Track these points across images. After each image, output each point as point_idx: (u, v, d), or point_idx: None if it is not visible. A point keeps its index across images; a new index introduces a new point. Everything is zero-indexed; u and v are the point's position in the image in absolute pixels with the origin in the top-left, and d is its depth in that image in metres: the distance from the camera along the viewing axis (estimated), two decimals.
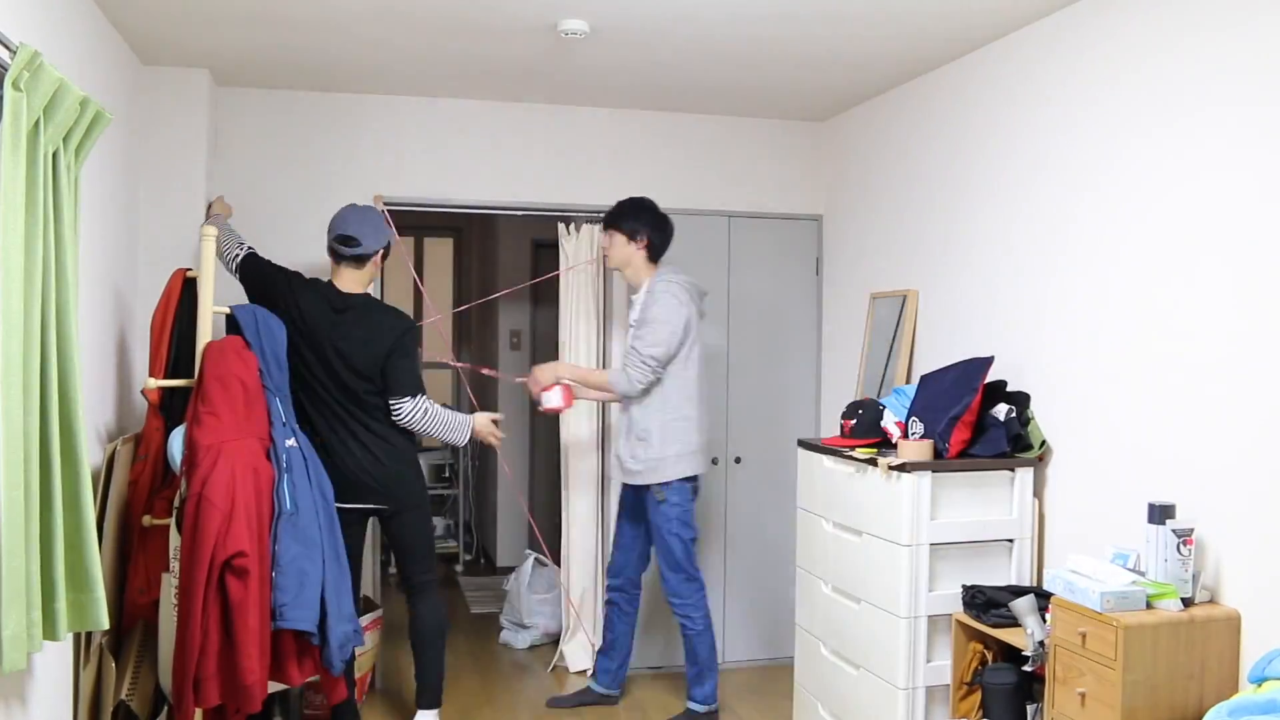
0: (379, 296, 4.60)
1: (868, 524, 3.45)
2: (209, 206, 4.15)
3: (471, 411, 5.31)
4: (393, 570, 5.40)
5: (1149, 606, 2.64)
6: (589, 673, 4.66)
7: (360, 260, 3.69)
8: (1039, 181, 3.45)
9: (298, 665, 3.20)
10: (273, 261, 3.80)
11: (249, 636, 3.01)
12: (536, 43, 3.77)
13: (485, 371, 5.18)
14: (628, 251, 4.11)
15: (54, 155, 2.47)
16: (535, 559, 5.25)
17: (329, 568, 3.26)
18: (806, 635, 3.90)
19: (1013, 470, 3.37)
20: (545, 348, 6.32)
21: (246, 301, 3.68)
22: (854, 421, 3.77)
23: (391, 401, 3.64)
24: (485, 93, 4.55)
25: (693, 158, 4.91)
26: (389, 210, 4.60)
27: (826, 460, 3.73)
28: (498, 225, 6.66)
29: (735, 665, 4.89)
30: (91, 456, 2.82)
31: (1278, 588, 2.55)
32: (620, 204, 4.19)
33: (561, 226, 4.82)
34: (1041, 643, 2.89)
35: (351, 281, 3.71)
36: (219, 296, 3.61)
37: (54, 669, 2.91)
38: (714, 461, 4.85)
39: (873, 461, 3.41)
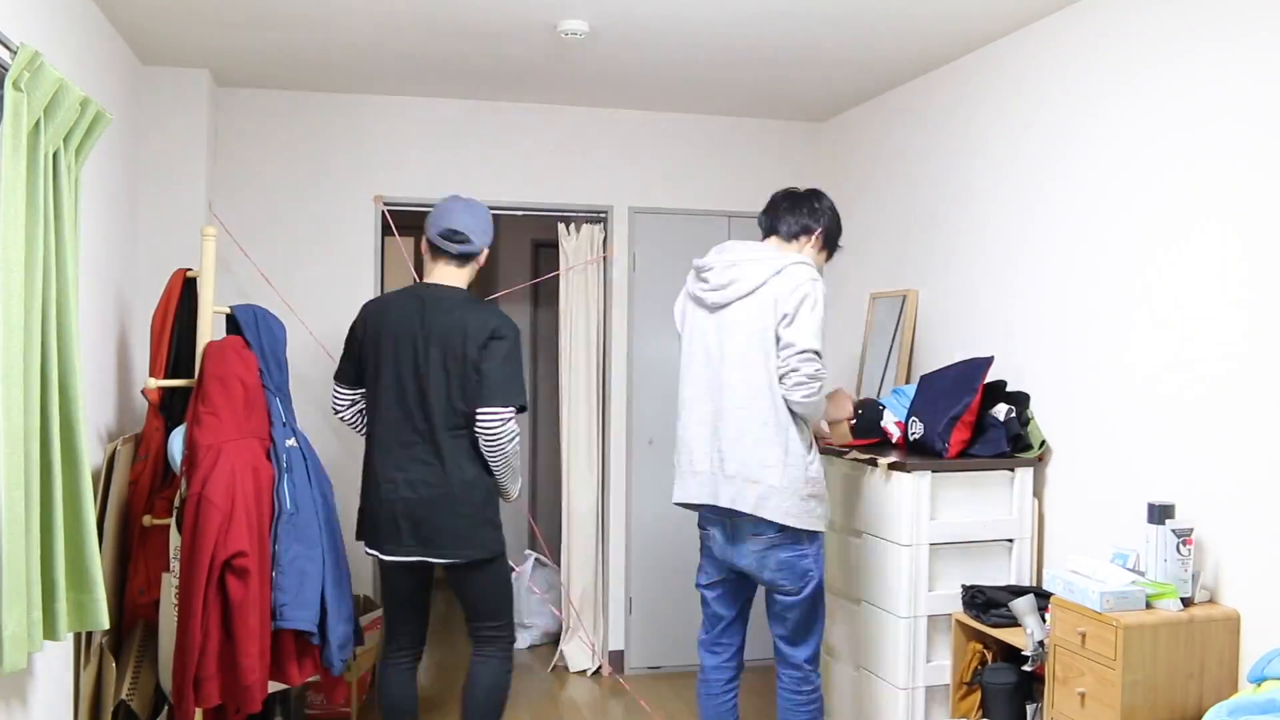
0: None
1: (867, 524, 3.45)
2: None
3: None
4: None
5: (1149, 606, 2.64)
6: (588, 672, 4.66)
7: (466, 258, 3.31)
8: (1039, 181, 3.45)
9: (298, 665, 3.20)
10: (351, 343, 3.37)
11: (249, 636, 3.02)
12: (536, 43, 3.77)
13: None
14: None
15: (54, 155, 2.47)
16: (535, 559, 5.25)
17: (329, 568, 3.26)
18: None
19: (1012, 470, 3.37)
20: (545, 347, 6.32)
21: (248, 303, 3.68)
22: (854, 421, 3.77)
23: (479, 410, 3.09)
24: (485, 93, 4.55)
25: (693, 158, 4.91)
26: (389, 210, 4.61)
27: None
28: (498, 225, 6.65)
29: None
30: (91, 456, 2.82)
31: (1277, 588, 2.55)
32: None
33: (561, 226, 4.82)
34: (1041, 642, 2.89)
35: (451, 278, 3.30)
36: (219, 296, 3.61)
37: (54, 669, 2.91)
38: None
39: (873, 461, 3.41)
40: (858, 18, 3.44)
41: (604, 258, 4.82)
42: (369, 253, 4.58)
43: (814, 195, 3.17)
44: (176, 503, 3.22)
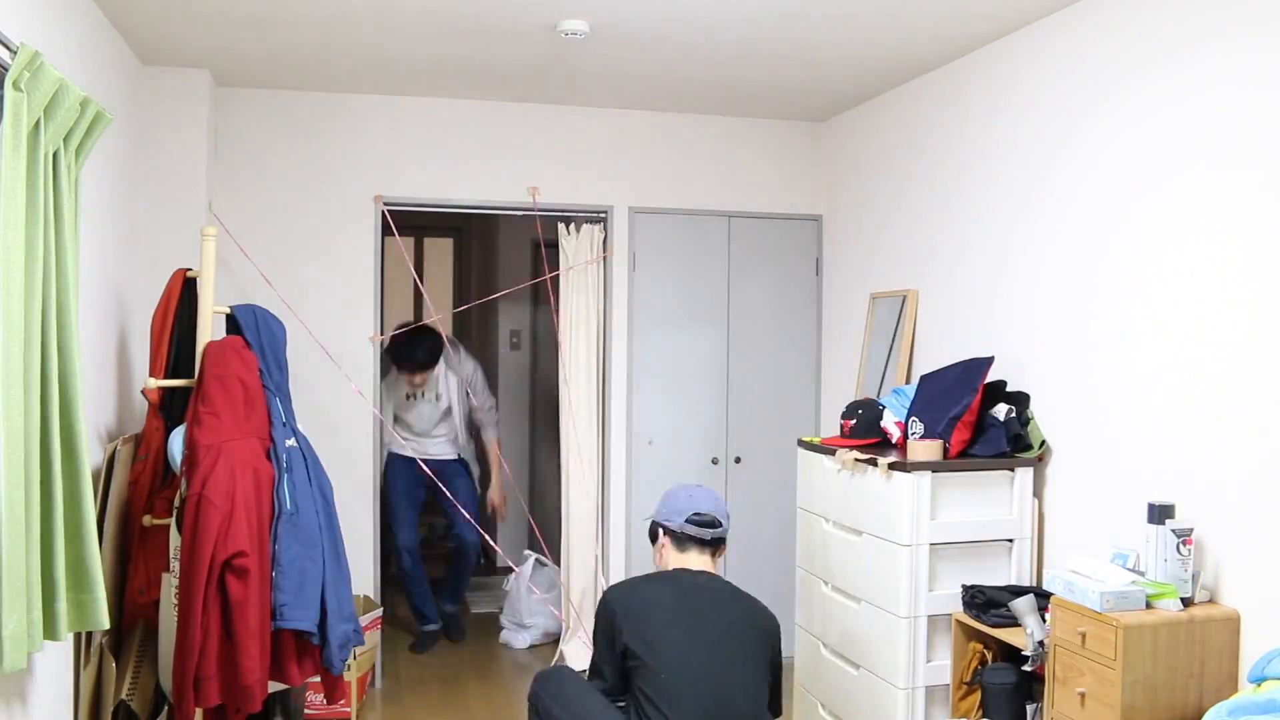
0: (379, 297, 4.61)
1: (867, 524, 3.45)
2: None
3: (470, 424, 5.34)
4: (393, 570, 5.40)
5: (1148, 606, 2.64)
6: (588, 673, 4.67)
7: (719, 545, 3.09)
8: (1039, 181, 3.45)
9: (298, 665, 3.20)
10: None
11: (249, 636, 3.01)
12: (536, 43, 3.77)
13: None
14: None
15: (54, 155, 2.48)
16: (535, 559, 5.25)
17: (329, 568, 3.26)
18: (806, 635, 3.90)
19: (1012, 470, 3.37)
20: (545, 348, 6.32)
21: (248, 303, 3.68)
22: (854, 421, 3.77)
23: None
24: (485, 93, 4.55)
25: (693, 158, 4.91)
26: (389, 210, 4.61)
27: (826, 460, 3.73)
28: (498, 225, 6.66)
29: None
30: (91, 456, 2.82)
31: (1277, 588, 2.55)
32: None
33: (561, 226, 4.82)
34: (1041, 642, 2.89)
35: (705, 565, 3.07)
36: (219, 296, 3.61)
37: (54, 669, 2.91)
38: (714, 461, 4.86)
39: (873, 461, 3.41)
40: (858, 18, 3.44)
41: (604, 258, 4.82)
42: (369, 253, 4.58)
43: None
44: (176, 503, 3.22)
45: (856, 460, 3.51)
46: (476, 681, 4.69)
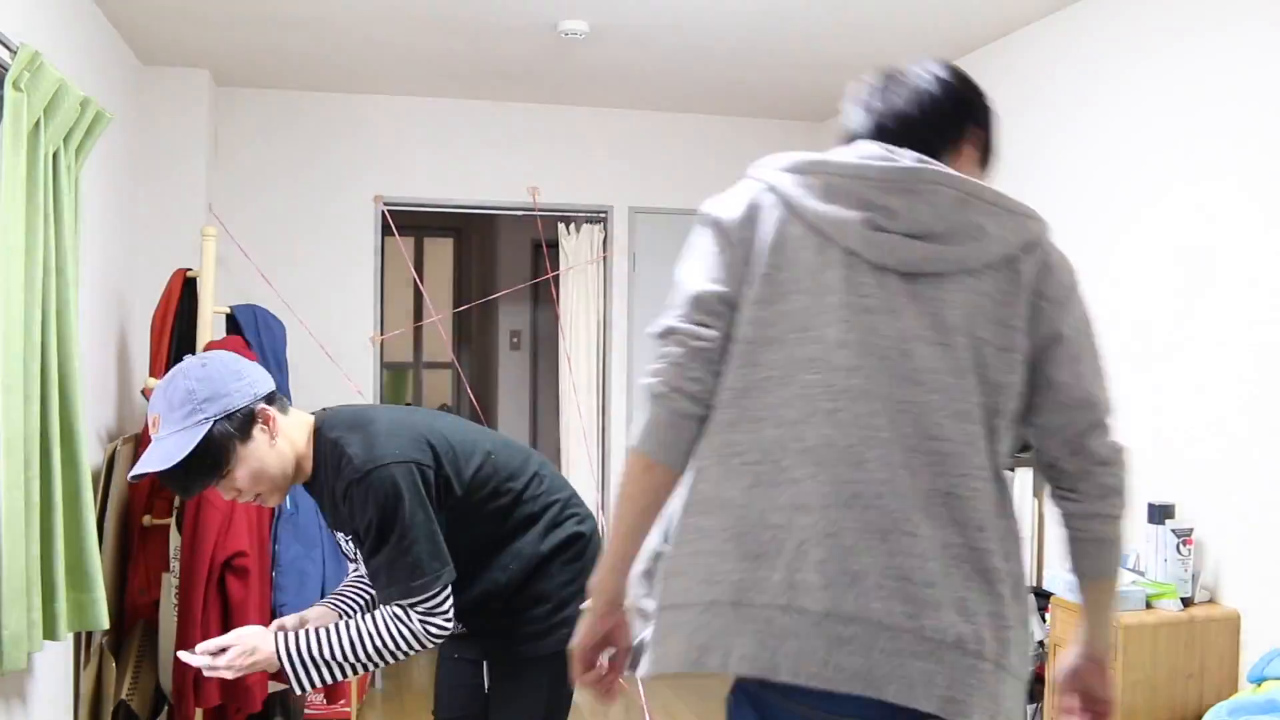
0: (379, 297, 4.61)
1: None
2: None
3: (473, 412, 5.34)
4: None
5: (1149, 606, 2.64)
6: None
7: None
8: (1038, 181, 3.45)
9: None
10: None
11: None
12: (536, 43, 3.77)
13: None
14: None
15: (54, 155, 2.48)
16: None
17: (329, 568, 3.26)
18: None
19: (1012, 470, 3.37)
20: (545, 348, 6.32)
21: (248, 303, 3.68)
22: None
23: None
24: (485, 93, 4.55)
25: (693, 158, 4.91)
26: (389, 210, 4.61)
27: None
28: (498, 225, 6.66)
29: None
30: (91, 456, 2.82)
31: (1277, 588, 2.55)
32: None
33: (561, 226, 4.82)
34: (1041, 642, 2.89)
35: None
36: (219, 296, 3.61)
37: (54, 669, 2.91)
38: None
39: None
40: (857, 18, 3.44)
41: (604, 258, 4.82)
42: (369, 253, 4.58)
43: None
44: (176, 503, 3.22)
45: None
46: None
